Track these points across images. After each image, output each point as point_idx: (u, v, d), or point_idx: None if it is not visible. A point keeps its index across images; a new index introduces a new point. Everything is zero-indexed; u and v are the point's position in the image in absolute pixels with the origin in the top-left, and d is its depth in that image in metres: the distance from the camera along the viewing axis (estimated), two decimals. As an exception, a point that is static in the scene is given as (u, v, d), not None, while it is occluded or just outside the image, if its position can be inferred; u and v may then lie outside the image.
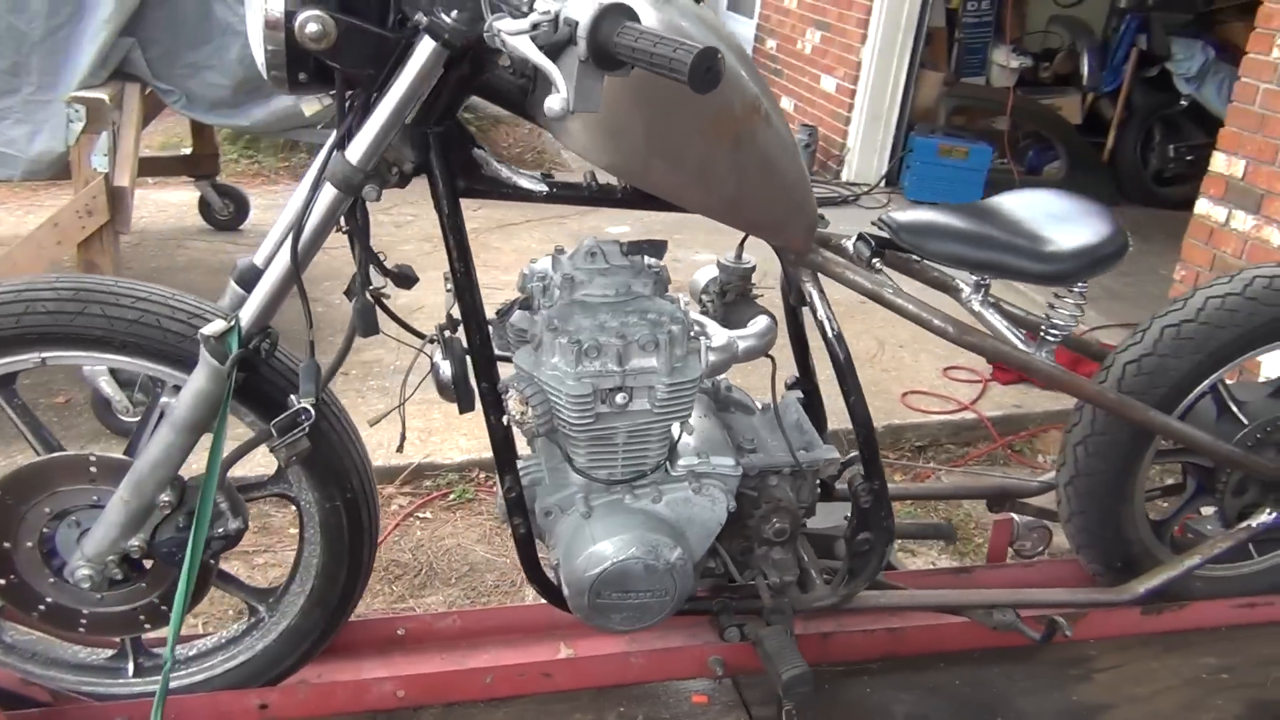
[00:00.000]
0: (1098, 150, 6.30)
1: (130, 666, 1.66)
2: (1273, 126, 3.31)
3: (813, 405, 1.84)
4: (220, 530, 1.49)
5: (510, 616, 1.90)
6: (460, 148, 1.41)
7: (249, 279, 1.49)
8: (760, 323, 1.64)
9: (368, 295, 1.43)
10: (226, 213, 4.59)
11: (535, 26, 1.10)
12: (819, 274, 1.59)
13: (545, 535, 1.58)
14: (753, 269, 1.71)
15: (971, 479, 2.48)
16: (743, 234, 1.64)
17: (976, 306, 1.72)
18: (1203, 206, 3.61)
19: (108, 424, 2.78)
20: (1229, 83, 5.87)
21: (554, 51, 1.11)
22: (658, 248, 1.53)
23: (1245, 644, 2.04)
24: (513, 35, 1.10)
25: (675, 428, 1.57)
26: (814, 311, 1.58)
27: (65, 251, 3.09)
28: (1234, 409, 1.89)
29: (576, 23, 1.08)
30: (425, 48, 1.25)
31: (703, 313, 1.73)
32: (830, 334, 1.56)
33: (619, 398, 1.46)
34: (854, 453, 1.68)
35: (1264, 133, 3.35)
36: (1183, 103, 6.09)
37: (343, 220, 1.39)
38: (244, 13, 3.25)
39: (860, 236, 1.65)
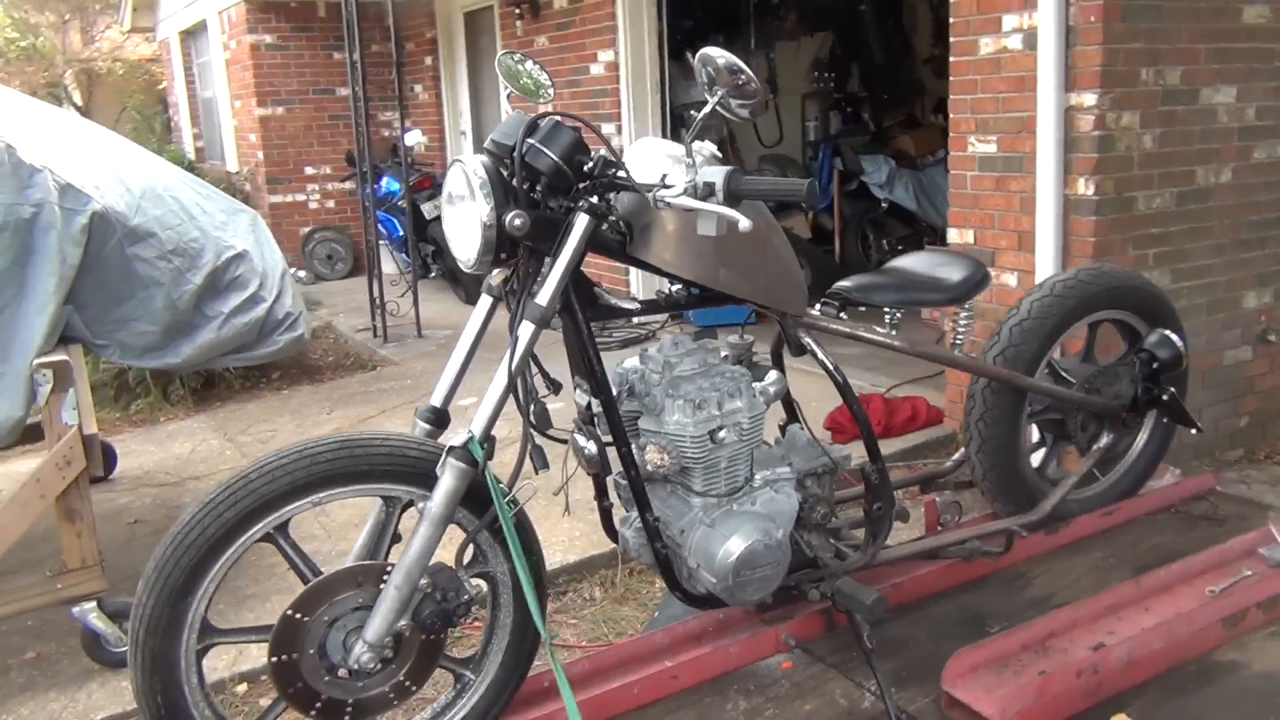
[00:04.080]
0: (830, 255, 7.56)
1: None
2: (985, 202, 4.43)
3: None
4: (465, 598, 1.97)
5: (629, 649, 2.44)
6: (586, 290, 2.06)
7: (433, 417, 2.04)
8: (773, 375, 2.34)
9: (540, 400, 2.01)
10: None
11: (684, 191, 1.79)
12: (810, 329, 2.32)
13: (681, 549, 2.16)
14: (754, 342, 2.42)
15: (907, 474, 3.23)
16: (743, 322, 2.35)
17: (895, 324, 2.52)
18: (950, 270, 4.69)
19: (98, 658, 3.03)
20: (911, 182, 7.35)
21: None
22: (710, 333, 2.22)
23: (1115, 537, 2.90)
24: (675, 197, 1.78)
25: (751, 452, 2.22)
26: (814, 353, 2.30)
27: (48, 505, 3.31)
28: (1064, 374, 2.78)
29: (713, 182, 1.78)
30: (582, 221, 1.90)
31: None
32: (830, 365, 2.28)
33: (721, 434, 2.11)
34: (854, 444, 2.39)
35: (980, 207, 4.46)
36: (883, 205, 7.47)
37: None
38: (163, 266, 3.71)
39: (824, 301, 2.41)
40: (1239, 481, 4.15)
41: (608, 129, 6.87)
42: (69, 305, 3.49)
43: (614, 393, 2.18)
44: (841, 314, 2.37)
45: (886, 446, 4.21)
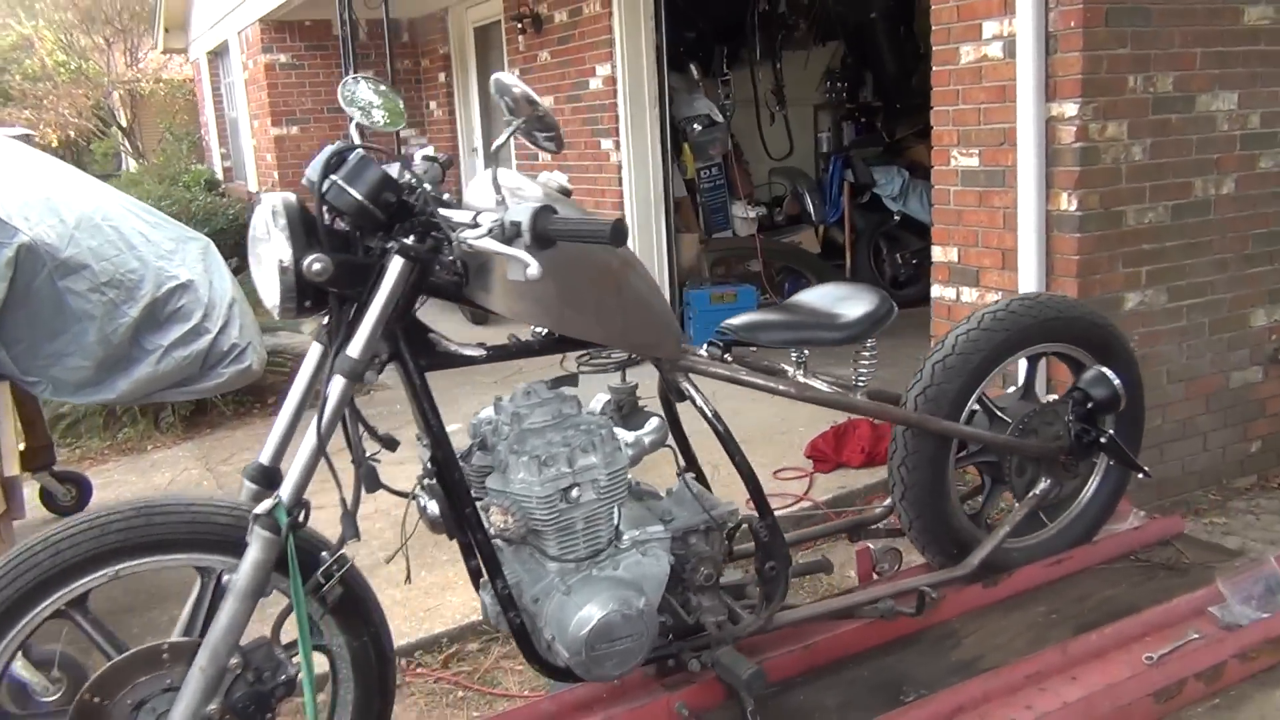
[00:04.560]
0: (841, 270, 7.31)
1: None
2: (968, 218, 4.19)
3: (701, 483, 2.35)
4: (283, 677, 1.82)
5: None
6: (419, 336, 1.89)
7: (260, 475, 1.88)
8: (654, 422, 2.16)
9: (367, 459, 1.85)
10: (69, 498, 4.69)
11: (489, 231, 1.61)
12: (689, 373, 2.13)
13: (536, 619, 1.99)
14: (636, 386, 2.24)
15: (832, 523, 3.01)
16: (623, 363, 2.17)
17: (802, 378, 2.31)
18: (936, 291, 4.45)
19: (26, 709, 2.90)
20: (926, 194, 7.08)
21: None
22: (571, 380, 2.04)
23: (1063, 590, 2.65)
24: (477, 239, 1.61)
25: (615, 510, 2.04)
26: (693, 400, 2.11)
27: (-33, 546, 3.25)
28: (998, 413, 2.54)
29: (519, 222, 1.60)
30: (396, 264, 1.74)
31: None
32: (709, 414, 2.09)
33: (574, 492, 1.92)
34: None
35: (963, 224, 4.23)
36: (895, 218, 7.21)
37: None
38: (95, 299, 3.62)
39: (710, 341, 2.21)
40: (1247, 512, 3.88)
41: (606, 144, 6.72)
42: (-6, 342, 3.42)
43: (467, 445, 2.01)
44: (726, 355, 2.18)
45: (869, 476, 3.99)
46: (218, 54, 11.49)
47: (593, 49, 6.67)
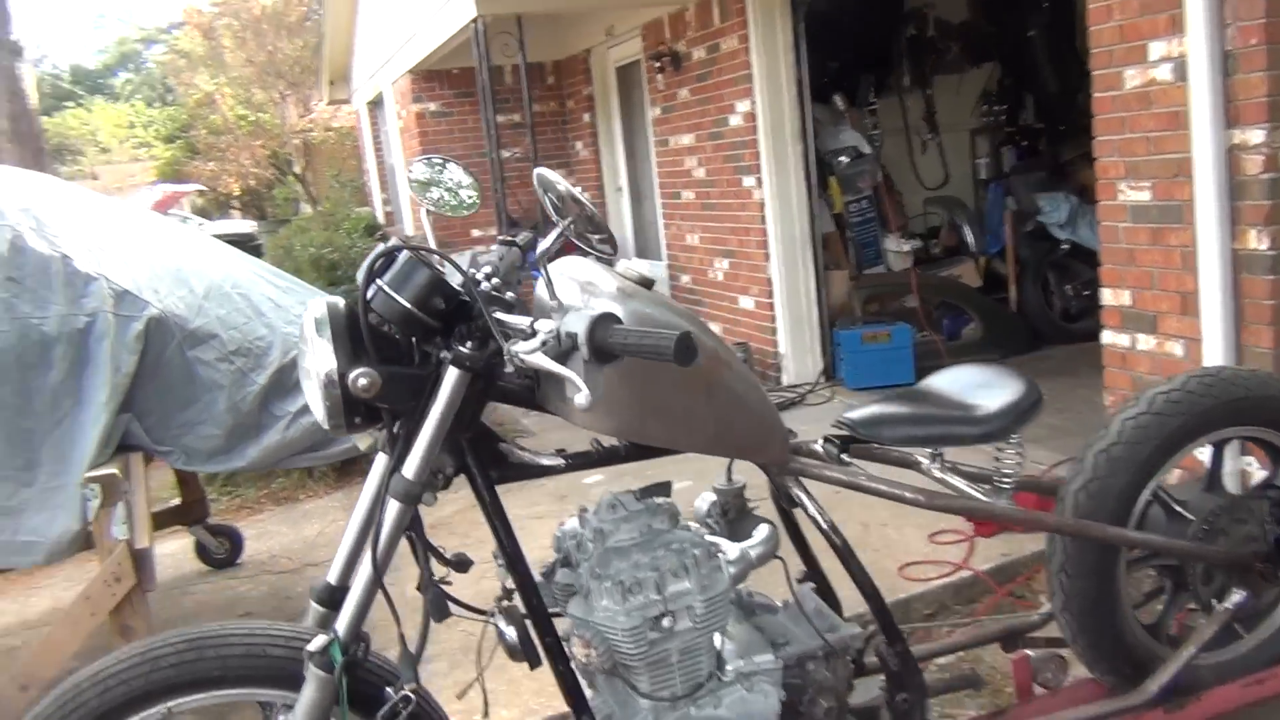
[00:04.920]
0: (1004, 304, 6.83)
1: None
2: (1140, 258, 3.76)
3: (825, 593, 2.07)
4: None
5: None
6: (489, 446, 1.70)
7: (326, 597, 1.73)
8: (763, 531, 1.90)
9: (435, 585, 1.67)
10: (222, 551, 4.80)
11: (544, 344, 1.41)
12: (801, 478, 1.87)
13: (628, 764, 1.76)
14: (744, 487, 1.99)
15: (981, 628, 2.68)
16: (728, 461, 1.93)
17: (938, 474, 2.02)
18: (1108, 337, 4.02)
19: None
20: (1096, 221, 6.54)
21: (562, 359, 1.42)
22: (663, 488, 1.81)
23: (1267, 716, 2.24)
24: (529, 354, 1.41)
25: (717, 638, 1.79)
26: (805, 510, 1.85)
27: (99, 621, 3.25)
28: (1178, 509, 2.17)
29: (575, 334, 1.39)
30: (452, 375, 1.56)
31: (711, 534, 1.99)
32: (824, 526, 1.83)
33: (665, 622, 1.69)
34: (873, 625, 1.91)
35: (1136, 264, 3.80)
36: (1064, 246, 6.69)
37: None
38: (224, 368, 3.63)
39: (826, 438, 1.95)
40: None
41: (748, 182, 6.49)
42: (127, 414, 3.45)
43: (550, 563, 1.81)
44: (843, 454, 1.90)
45: (1036, 542, 3.59)
46: (376, 104, 11.84)
47: (731, 85, 6.47)
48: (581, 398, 1.37)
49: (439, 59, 8.46)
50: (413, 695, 1.60)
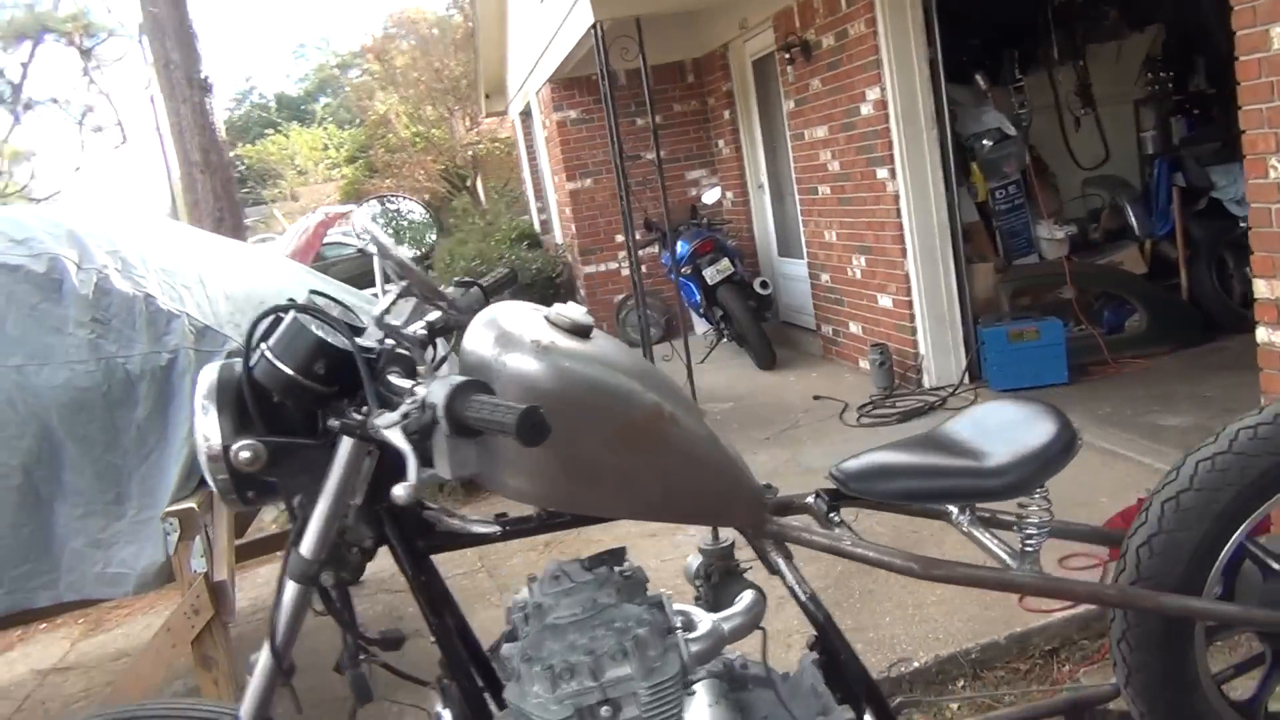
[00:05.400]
0: (1174, 291, 6.19)
1: None
2: (1297, 244, 3.27)
3: (837, 660, 1.82)
4: None
5: None
6: (413, 514, 1.55)
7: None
8: (745, 599, 1.68)
9: (361, 666, 1.54)
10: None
11: (406, 415, 1.25)
12: (780, 540, 1.63)
13: None
14: (731, 545, 1.77)
15: (1043, 697, 2.34)
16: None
17: (966, 527, 1.73)
18: (1263, 335, 3.52)
19: None
20: (1282, 195, 5.82)
21: (427, 433, 1.25)
22: (617, 555, 1.61)
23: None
24: (387, 428, 1.25)
25: (678, 724, 1.58)
26: (783, 579, 1.62)
27: (181, 653, 3.32)
28: (1274, 565, 1.79)
29: (435, 405, 1.22)
30: (346, 445, 1.41)
31: (696, 598, 1.78)
32: (803, 598, 1.59)
33: (604, 711, 1.50)
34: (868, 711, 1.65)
35: (1292, 251, 3.30)
36: (1243, 225, 5.98)
37: (321, 605, 1.52)
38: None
39: (817, 493, 1.70)
40: None
41: (881, 173, 6.13)
42: (211, 447, 3.50)
43: (499, 637, 1.65)
44: (832, 513, 1.65)
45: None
46: (525, 114, 11.98)
47: (861, 72, 6.12)
48: (400, 489, 1.20)
49: (572, 67, 8.43)
50: None
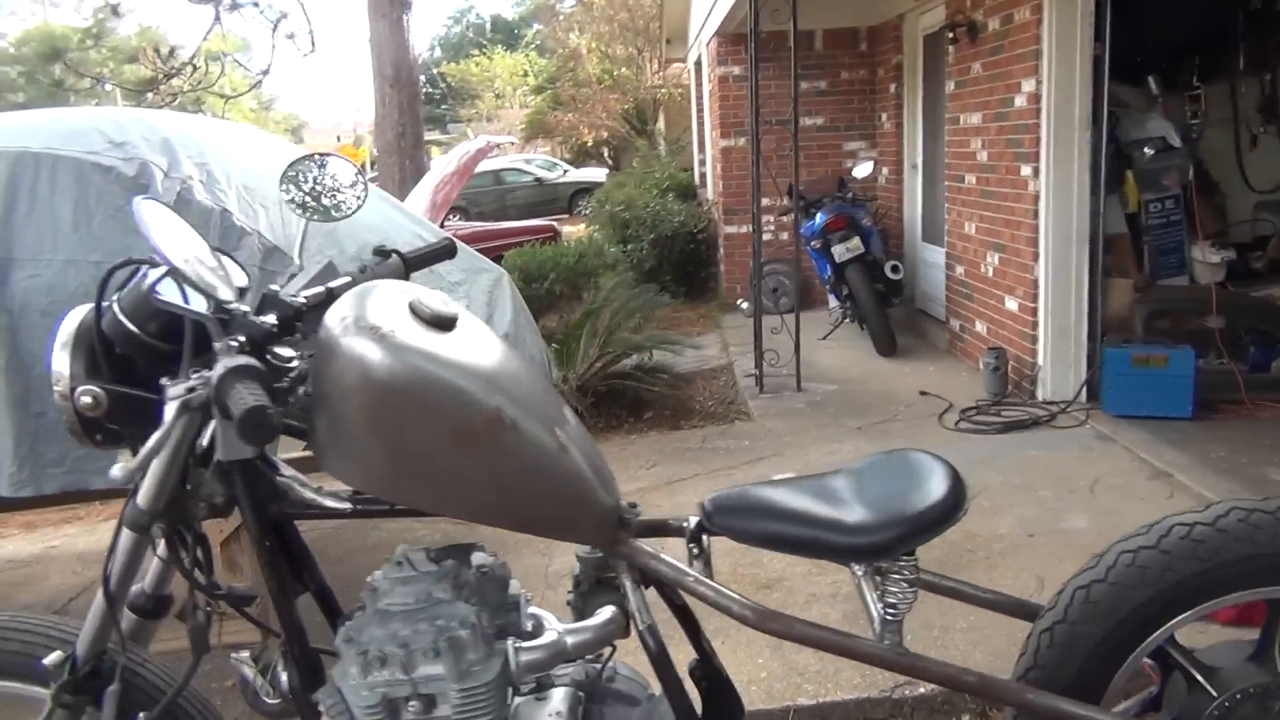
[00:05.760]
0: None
1: None
2: None
3: (717, 685, 1.75)
4: None
5: None
6: (266, 479, 1.57)
7: (145, 606, 1.68)
8: (602, 614, 1.63)
9: (199, 615, 1.57)
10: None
11: (192, 390, 1.25)
12: (630, 564, 1.57)
13: None
14: (604, 557, 1.71)
15: None
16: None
17: (859, 578, 1.62)
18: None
19: (258, 708, 3.05)
20: None
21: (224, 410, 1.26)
22: (466, 551, 1.59)
23: None
24: (170, 400, 1.26)
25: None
26: (626, 602, 1.55)
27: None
28: (1199, 678, 1.60)
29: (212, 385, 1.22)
30: (170, 410, 1.43)
31: (568, 603, 1.74)
32: (640, 626, 1.53)
33: (412, 705, 1.49)
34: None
35: None
36: None
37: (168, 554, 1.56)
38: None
39: (697, 520, 1.62)
40: None
41: (1025, 170, 5.77)
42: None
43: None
44: (693, 544, 1.56)
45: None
46: (698, 64, 11.84)
47: (1020, 61, 5.74)
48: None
49: (736, 24, 8.26)
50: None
